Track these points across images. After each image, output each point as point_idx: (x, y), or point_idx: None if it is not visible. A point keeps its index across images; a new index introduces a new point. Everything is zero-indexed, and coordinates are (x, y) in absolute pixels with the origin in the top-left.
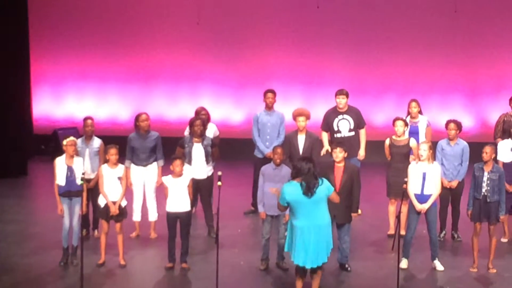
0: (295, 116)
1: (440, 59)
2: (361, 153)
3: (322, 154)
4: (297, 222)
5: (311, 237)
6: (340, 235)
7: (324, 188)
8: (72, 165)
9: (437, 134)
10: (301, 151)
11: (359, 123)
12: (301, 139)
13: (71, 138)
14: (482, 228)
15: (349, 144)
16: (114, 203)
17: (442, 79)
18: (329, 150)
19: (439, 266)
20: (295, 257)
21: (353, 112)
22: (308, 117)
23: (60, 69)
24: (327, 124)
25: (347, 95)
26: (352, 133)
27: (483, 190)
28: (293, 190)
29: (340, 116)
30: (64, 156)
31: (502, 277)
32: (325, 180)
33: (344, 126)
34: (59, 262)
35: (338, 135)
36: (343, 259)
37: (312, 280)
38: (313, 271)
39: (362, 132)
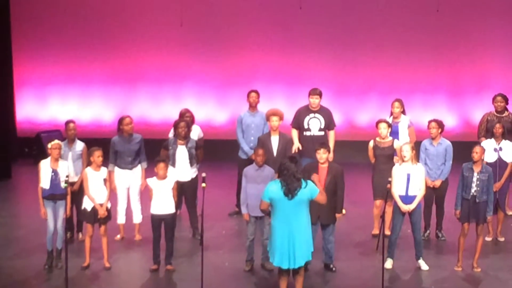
0: (268, 116)
1: (423, 58)
2: (330, 154)
3: (293, 151)
4: (275, 222)
5: (287, 238)
6: (325, 235)
7: (307, 192)
8: (57, 169)
9: (421, 134)
10: (275, 152)
11: (329, 124)
12: (274, 140)
13: (56, 141)
14: (469, 228)
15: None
16: (100, 205)
17: (425, 78)
18: (300, 148)
19: (423, 265)
20: (271, 256)
21: (324, 112)
22: (281, 117)
23: (43, 72)
24: (298, 121)
25: (320, 95)
26: (322, 133)
27: (472, 190)
28: (275, 188)
29: (312, 115)
30: (49, 159)
31: (487, 276)
32: (309, 182)
33: (314, 124)
34: (43, 265)
35: (308, 133)
36: (328, 260)
37: (295, 282)
38: (296, 271)
39: (331, 134)
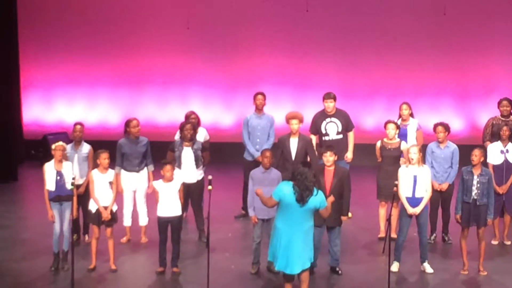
0: (288, 119)
1: (430, 62)
2: (349, 155)
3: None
4: (279, 223)
5: (286, 243)
6: (331, 238)
7: (317, 201)
8: (61, 170)
9: (427, 137)
10: (293, 155)
11: (347, 126)
12: (293, 143)
13: (60, 142)
14: (472, 231)
15: (337, 147)
16: (105, 208)
17: (431, 82)
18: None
19: (428, 268)
20: (277, 263)
21: (341, 115)
22: (301, 120)
23: (50, 74)
24: (315, 127)
25: (334, 98)
26: (340, 136)
27: (473, 193)
28: (288, 190)
29: (328, 119)
30: (52, 161)
31: (492, 280)
32: (320, 192)
33: (332, 129)
34: (50, 267)
35: (326, 138)
36: (334, 262)
37: (301, 284)
38: (300, 275)
39: (350, 135)
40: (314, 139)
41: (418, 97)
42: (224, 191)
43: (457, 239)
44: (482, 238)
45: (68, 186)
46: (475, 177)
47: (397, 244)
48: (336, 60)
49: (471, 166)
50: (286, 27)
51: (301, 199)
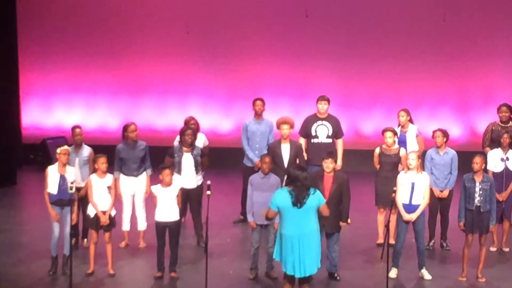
0: (279, 124)
1: (429, 69)
2: (338, 163)
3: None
4: (284, 230)
5: (298, 246)
6: (329, 244)
7: (315, 199)
8: (64, 174)
9: (427, 144)
10: (285, 160)
11: (337, 132)
12: (285, 148)
13: (65, 146)
14: (473, 239)
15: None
16: (104, 212)
17: (431, 88)
18: (305, 158)
19: (426, 275)
20: (284, 265)
21: (332, 120)
22: (292, 125)
23: (49, 79)
24: (306, 129)
25: (328, 101)
26: (330, 140)
27: (476, 200)
28: (283, 196)
29: (319, 122)
30: (56, 164)
31: (491, 286)
32: (317, 191)
33: (322, 132)
34: (48, 271)
35: (315, 140)
36: (332, 268)
37: None
38: (302, 281)
39: (339, 142)
40: (303, 142)
41: (417, 104)
42: (222, 196)
43: (455, 245)
44: (483, 245)
45: (69, 190)
46: (477, 184)
47: (394, 250)
48: (336, 66)
49: (472, 173)
50: (286, 32)
51: (298, 201)
